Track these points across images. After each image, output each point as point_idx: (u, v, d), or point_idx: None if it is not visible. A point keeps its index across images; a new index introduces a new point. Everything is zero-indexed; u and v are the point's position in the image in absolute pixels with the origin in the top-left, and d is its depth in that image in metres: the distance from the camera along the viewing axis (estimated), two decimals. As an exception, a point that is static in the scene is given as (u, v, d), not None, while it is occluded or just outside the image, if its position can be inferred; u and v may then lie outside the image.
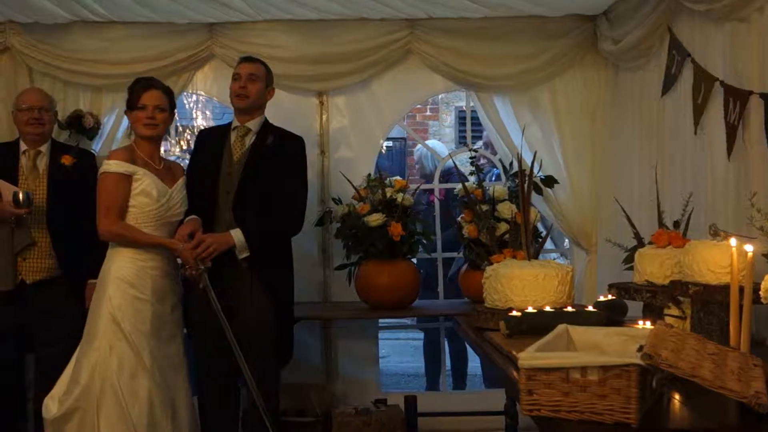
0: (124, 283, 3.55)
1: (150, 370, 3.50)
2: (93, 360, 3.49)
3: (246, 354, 3.62)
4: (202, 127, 6.43)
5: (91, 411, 3.45)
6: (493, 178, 5.38)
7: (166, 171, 3.74)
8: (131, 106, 3.71)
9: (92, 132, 4.65)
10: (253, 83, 3.93)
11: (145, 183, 3.61)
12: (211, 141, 4.03)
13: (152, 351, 3.53)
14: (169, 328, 3.65)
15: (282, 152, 3.91)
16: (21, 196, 3.85)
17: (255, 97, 3.93)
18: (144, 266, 3.60)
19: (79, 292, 4.00)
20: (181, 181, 3.77)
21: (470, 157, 4.88)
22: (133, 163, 3.63)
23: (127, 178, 3.60)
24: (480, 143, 5.72)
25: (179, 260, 3.69)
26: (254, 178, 3.83)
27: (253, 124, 3.95)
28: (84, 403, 3.48)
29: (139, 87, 3.72)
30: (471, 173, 4.87)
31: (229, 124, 4.04)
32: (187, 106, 8.32)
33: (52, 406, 3.53)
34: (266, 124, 4.00)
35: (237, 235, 3.72)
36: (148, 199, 3.61)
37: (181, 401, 3.64)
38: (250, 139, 3.93)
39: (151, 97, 3.68)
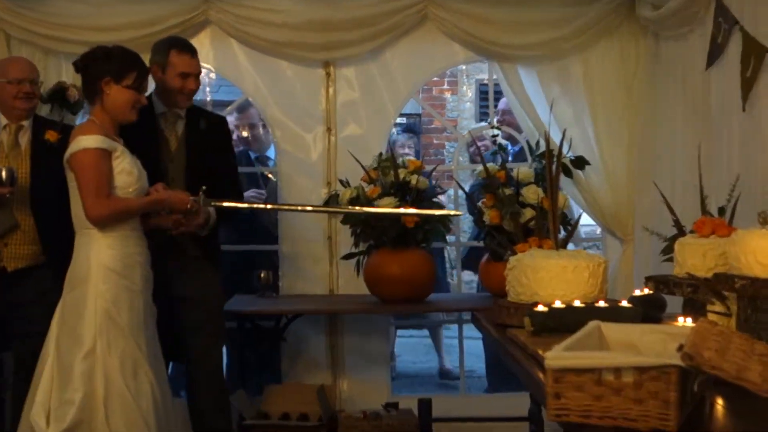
0: (113, 273, 3.49)
1: (148, 361, 3.51)
2: (88, 364, 3.42)
3: (196, 332, 4.02)
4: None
5: (100, 418, 3.39)
6: (510, 158, 5.32)
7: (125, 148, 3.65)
8: (123, 81, 3.57)
9: (77, 106, 4.65)
10: (199, 79, 4.07)
11: (125, 161, 3.55)
12: (136, 124, 3.91)
13: (147, 342, 3.54)
14: (152, 317, 3.66)
15: (214, 134, 4.17)
16: (4, 173, 3.82)
17: None
18: (131, 253, 3.56)
19: (63, 282, 4.00)
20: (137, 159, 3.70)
21: (492, 136, 4.87)
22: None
23: (109, 155, 3.51)
24: (497, 114, 5.65)
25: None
26: (197, 163, 4.03)
27: (182, 110, 4.07)
28: (89, 413, 3.40)
29: (142, 68, 3.65)
30: (494, 153, 4.86)
31: (150, 105, 3.98)
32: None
33: (41, 422, 3.41)
34: (191, 106, 4.13)
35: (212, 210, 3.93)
36: (131, 179, 3.56)
37: (167, 394, 3.66)
38: (181, 125, 4.07)
39: (147, 84, 3.72)
